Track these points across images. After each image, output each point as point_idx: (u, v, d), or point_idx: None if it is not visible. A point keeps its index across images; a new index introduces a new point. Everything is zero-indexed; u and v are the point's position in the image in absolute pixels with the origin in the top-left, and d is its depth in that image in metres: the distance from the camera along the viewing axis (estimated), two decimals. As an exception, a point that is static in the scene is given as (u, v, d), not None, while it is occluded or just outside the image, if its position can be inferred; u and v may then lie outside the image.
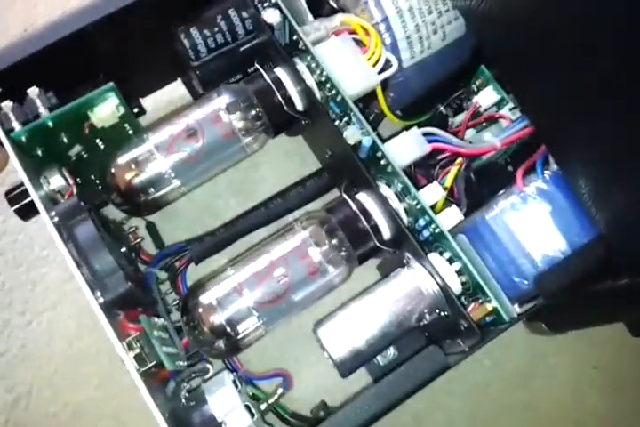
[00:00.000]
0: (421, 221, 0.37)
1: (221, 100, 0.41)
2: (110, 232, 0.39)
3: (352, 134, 0.38)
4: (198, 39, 0.42)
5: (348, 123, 0.39)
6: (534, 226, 0.38)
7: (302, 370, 0.49)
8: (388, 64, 0.41)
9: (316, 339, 0.37)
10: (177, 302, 0.44)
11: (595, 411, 0.52)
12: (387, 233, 0.39)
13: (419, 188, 0.37)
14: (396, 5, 0.40)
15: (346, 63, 0.39)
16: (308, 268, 0.38)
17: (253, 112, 0.41)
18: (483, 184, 0.44)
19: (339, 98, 0.38)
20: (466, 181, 0.42)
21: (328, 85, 0.39)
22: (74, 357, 0.49)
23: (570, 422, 0.52)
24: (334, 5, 0.43)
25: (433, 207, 0.37)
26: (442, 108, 0.47)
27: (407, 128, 0.39)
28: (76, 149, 0.42)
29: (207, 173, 0.42)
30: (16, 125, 0.38)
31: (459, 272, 0.36)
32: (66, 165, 0.41)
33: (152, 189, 0.40)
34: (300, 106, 0.41)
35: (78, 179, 0.42)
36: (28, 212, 0.39)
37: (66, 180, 0.40)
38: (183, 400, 0.37)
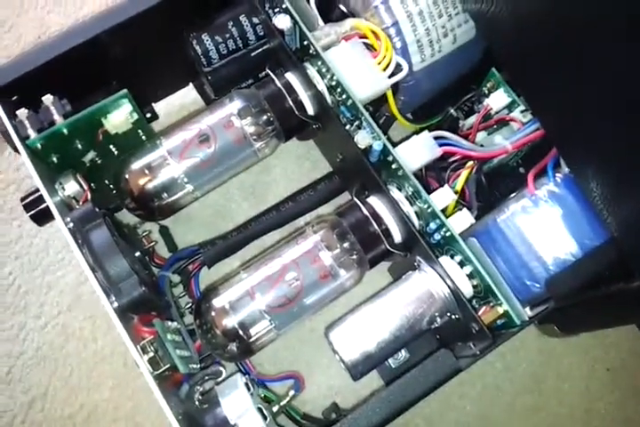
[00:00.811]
0: (432, 225, 0.37)
1: (233, 106, 0.41)
2: (124, 237, 0.39)
3: (363, 138, 0.38)
4: (210, 45, 0.42)
5: (358, 127, 0.39)
6: (546, 229, 0.37)
7: (314, 372, 0.49)
8: (398, 68, 0.41)
9: (327, 342, 0.38)
10: (190, 305, 0.45)
11: (607, 414, 0.52)
12: (398, 237, 0.39)
13: (430, 191, 0.37)
14: (406, 9, 0.40)
15: (356, 68, 0.39)
16: (319, 271, 0.38)
17: (265, 117, 0.41)
18: (494, 187, 0.44)
19: (349, 102, 0.39)
20: (477, 185, 0.42)
21: (339, 90, 0.39)
22: (89, 359, 0.50)
23: (581, 424, 0.52)
24: (344, 10, 0.43)
25: (444, 211, 0.37)
26: (452, 110, 0.47)
27: (418, 131, 0.39)
28: (91, 155, 0.43)
29: (220, 178, 0.42)
30: (31, 133, 0.39)
31: (470, 275, 0.36)
32: (80, 171, 0.42)
33: (165, 194, 0.40)
34: (310, 110, 0.42)
35: (92, 184, 0.43)
36: (43, 217, 0.39)
37: (80, 185, 0.40)
38: (196, 403, 0.37)
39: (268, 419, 0.37)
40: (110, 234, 0.35)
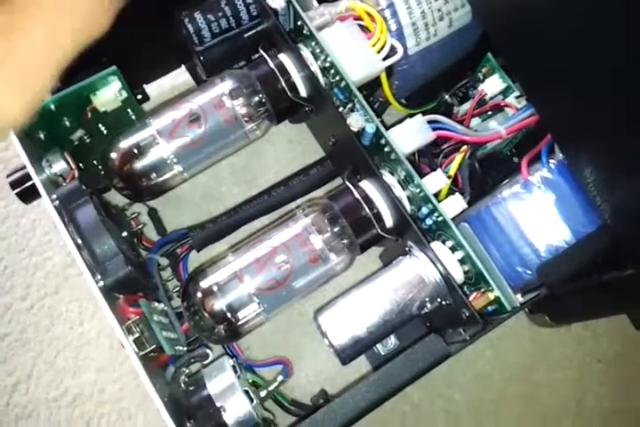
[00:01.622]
0: (424, 210, 0.36)
1: (224, 86, 0.41)
2: (112, 217, 0.39)
3: (356, 121, 0.38)
4: (202, 24, 0.42)
5: (351, 110, 0.39)
6: (538, 215, 0.37)
7: (303, 358, 0.49)
8: (393, 51, 0.40)
9: (316, 326, 0.37)
10: (178, 288, 0.44)
11: (597, 405, 0.52)
12: (389, 221, 0.39)
13: (422, 177, 0.37)
14: (403, -9, 0.40)
15: (350, 49, 0.39)
16: (309, 255, 0.38)
17: (256, 98, 0.41)
18: (487, 175, 0.44)
19: (343, 84, 0.38)
20: (470, 170, 0.42)
21: (332, 71, 0.39)
22: (74, 342, 0.49)
23: (572, 415, 0.52)
24: (340, -9, 0.43)
25: (436, 195, 0.37)
26: (447, 96, 0.47)
27: (412, 116, 0.39)
28: (79, 133, 0.42)
29: (209, 159, 0.42)
30: (18, 108, 0.38)
31: (461, 261, 0.36)
32: (68, 149, 0.41)
33: (154, 174, 0.40)
34: (303, 92, 0.41)
35: (81, 164, 0.42)
36: (29, 195, 0.38)
37: (68, 163, 0.39)
38: (182, 385, 0.37)
39: (255, 402, 0.37)
40: (97, 212, 0.35)
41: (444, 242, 0.36)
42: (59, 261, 0.50)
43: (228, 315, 0.37)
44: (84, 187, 0.36)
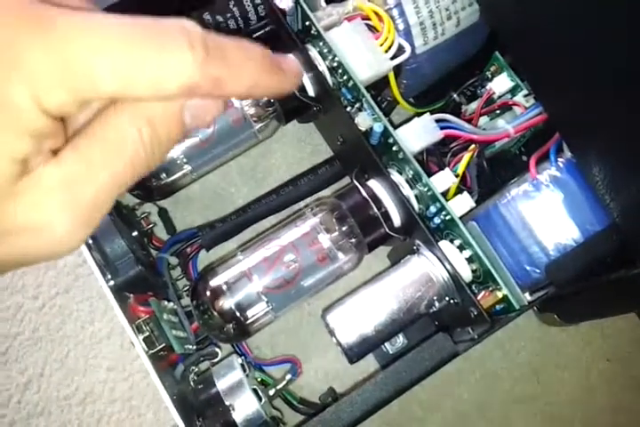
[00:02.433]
0: (432, 209, 0.37)
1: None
2: (122, 217, 0.39)
3: (363, 120, 0.38)
4: (210, 25, 0.42)
5: (359, 109, 0.39)
6: (547, 214, 0.37)
7: (311, 357, 0.49)
8: (400, 50, 0.40)
9: (324, 325, 0.37)
10: (188, 287, 0.44)
11: (606, 404, 0.52)
12: (397, 220, 0.39)
13: (430, 176, 0.37)
14: (410, -10, 0.40)
15: (358, 48, 0.39)
16: (317, 254, 0.38)
17: (264, 98, 0.41)
18: (495, 174, 0.44)
19: (350, 84, 0.38)
20: (478, 169, 0.42)
21: (340, 71, 0.39)
22: (85, 340, 0.49)
23: (580, 415, 0.52)
24: (347, -9, 0.43)
25: (444, 194, 0.37)
26: (455, 95, 0.47)
27: (420, 115, 0.39)
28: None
29: (219, 159, 0.42)
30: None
31: (469, 260, 0.36)
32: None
33: (164, 175, 0.40)
34: (311, 92, 0.41)
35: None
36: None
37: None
38: (191, 383, 0.37)
39: (264, 400, 0.37)
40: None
41: (451, 241, 0.36)
42: (70, 260, 0.51)
43: (237, 313, 0.37)
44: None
